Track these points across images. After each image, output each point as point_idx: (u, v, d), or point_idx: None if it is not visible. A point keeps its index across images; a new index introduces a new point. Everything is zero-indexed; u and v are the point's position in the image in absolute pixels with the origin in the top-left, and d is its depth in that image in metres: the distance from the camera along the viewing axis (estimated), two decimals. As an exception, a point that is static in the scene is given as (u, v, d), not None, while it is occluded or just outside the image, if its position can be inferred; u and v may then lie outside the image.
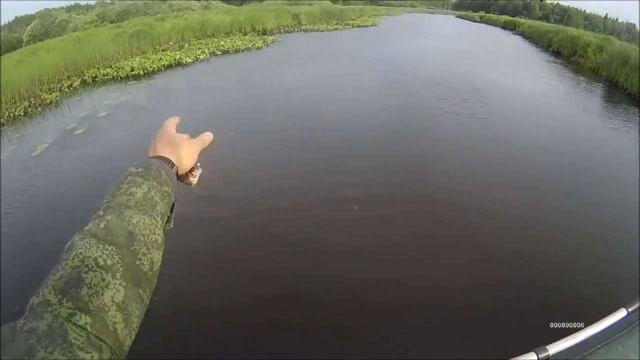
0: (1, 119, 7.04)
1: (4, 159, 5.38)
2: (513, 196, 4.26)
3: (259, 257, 3.20)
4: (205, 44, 14.12)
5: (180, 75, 10.43)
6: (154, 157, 0.60)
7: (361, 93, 8.42)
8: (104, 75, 10.01)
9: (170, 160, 0.61)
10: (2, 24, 23.38)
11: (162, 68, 10.79)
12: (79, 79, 9.69)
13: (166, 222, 0.59)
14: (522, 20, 27.39)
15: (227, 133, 5.37)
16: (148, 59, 11.44)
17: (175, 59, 11.51)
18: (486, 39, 19.24)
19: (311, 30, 19.81)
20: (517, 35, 21.89)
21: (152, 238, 0.50)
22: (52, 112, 7.53)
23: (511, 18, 27.85)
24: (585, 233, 3.67)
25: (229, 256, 3.23)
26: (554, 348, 0.72)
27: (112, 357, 0.39)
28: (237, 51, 13.54)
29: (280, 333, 2.50)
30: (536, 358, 0.70)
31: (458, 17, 34.10)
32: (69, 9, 26.52)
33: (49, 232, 3.51)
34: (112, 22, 22.17)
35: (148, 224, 0.50)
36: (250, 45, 14.24)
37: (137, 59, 11.35)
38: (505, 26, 26.56)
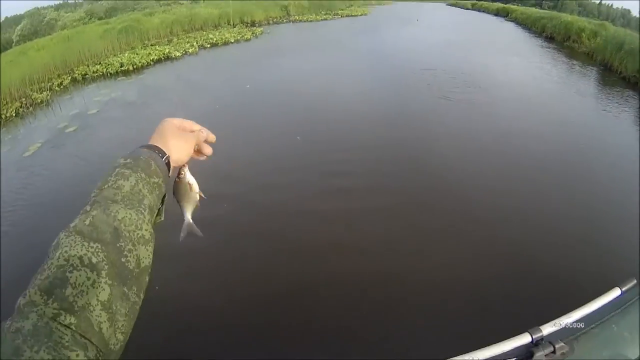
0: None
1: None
2: (512, 186, 4.22)
3: (257, 255, 3.19)
4: (194, 38, 13.96)
5: (169, 69, 10.32)
6: (145, 146, 0.59)
7: (353, 83, 8.36)
8: (93, 72, 9.91)
9: (162, 150, 0.59)
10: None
11: (152, 63, 10.69)
12: (69, 77, 9.60)
13: (157, 215, 0.57)
14: (515, 7, 27.17)
15: (219, 128, 5.30)
16: (137, 54, 11.31)
17: (164, 54, 11.39)
18: (478, 27, 19.06)
19: (300, 21, 19.58)
20: (510, 22, 21.74)
21: (138, 234, 0.49)
22: (44, 111, 7.46)
23: (504, 5, 27.58)
24: (584, 220, 3.64)
25: (227, 254, 3.20)
26: (548, 328, 0.72)
27: (98, 355, 0.39)
28: (226, 44, 13.40)
29: (280, 332, 2.48)
30: (530, 339, 0.70)
31: (449, 4, 33.67)
32: (57, 7, 26.14)
33: (41, 231, 3.48)
34: (100, 18, 21.85)
35: (134, 219, 0.49)
36: (239, 38, 14.09)
37: (126, 55, 11.22)
38: (497, 13, 26.30)
